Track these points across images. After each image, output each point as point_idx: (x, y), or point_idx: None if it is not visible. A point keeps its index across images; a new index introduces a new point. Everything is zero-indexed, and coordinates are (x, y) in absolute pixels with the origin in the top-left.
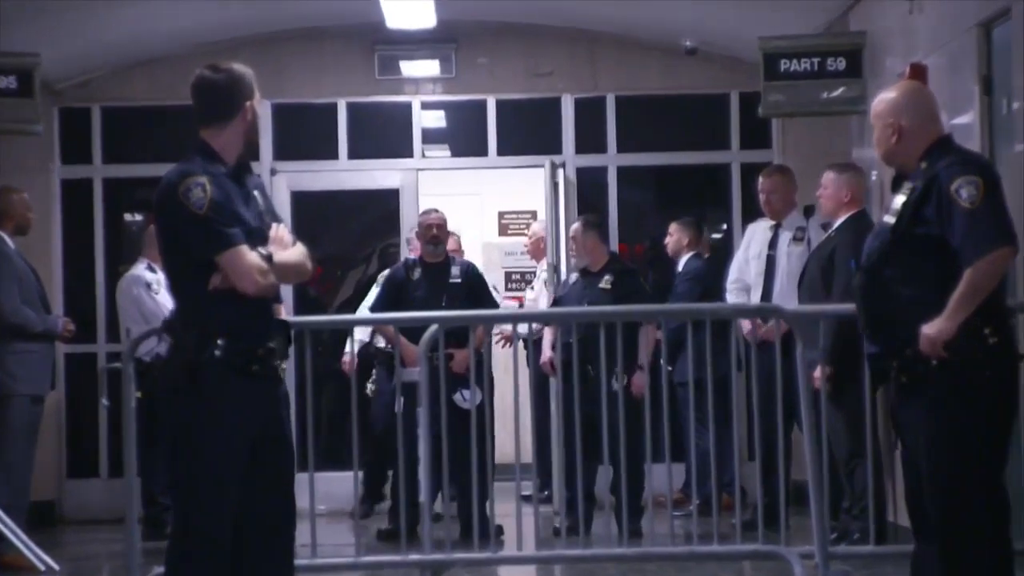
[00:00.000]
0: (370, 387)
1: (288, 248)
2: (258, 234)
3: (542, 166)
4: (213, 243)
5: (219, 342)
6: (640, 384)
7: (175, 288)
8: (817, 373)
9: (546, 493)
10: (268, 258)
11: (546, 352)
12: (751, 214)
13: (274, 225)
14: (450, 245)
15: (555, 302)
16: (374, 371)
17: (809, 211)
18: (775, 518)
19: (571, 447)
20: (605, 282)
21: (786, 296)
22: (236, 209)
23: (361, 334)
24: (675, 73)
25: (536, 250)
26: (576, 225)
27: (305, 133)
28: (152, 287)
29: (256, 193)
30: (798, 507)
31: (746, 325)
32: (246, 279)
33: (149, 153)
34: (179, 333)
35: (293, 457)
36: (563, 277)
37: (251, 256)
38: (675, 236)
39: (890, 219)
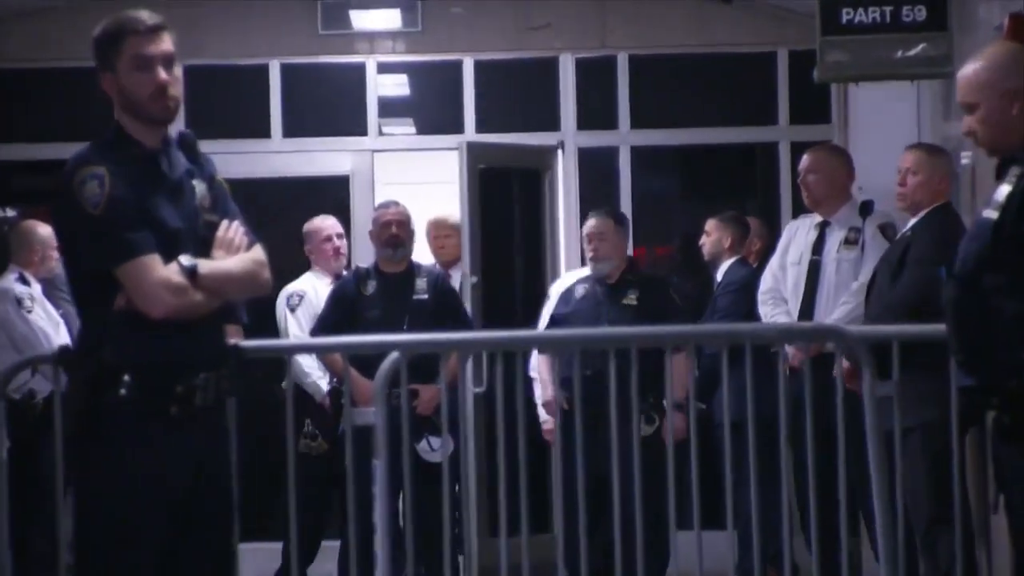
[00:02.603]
0: (305, 443)
1: (237, 252)
2: (185, 237)
3: (536, 147)
4: (110, 252)
5: (124, 378)
6: (680, 429)
7: (77, 307)
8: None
9: None
10: (190, 271)
11: (548, 389)
12: (803, 208)
13: (223, 223)
14: (443, 247)
15: (555, 322)
16: (307, 422)
17: (867, 208)
18: None
19: (574, 514)
20: (630, 297)
21: (830, 313)
22: (150, 207)
23: (311, 366)
24: (706, 27)
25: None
26: (599, 219)
27: (227, 104)
28: (24, 303)
29: (196, 182)
30: None
31: (791, 350)
32: (151, 298)
33: (24, 130)
34: (73, 366)
35: (231, 522)
36: (555, 288)
37: (159, 270)
38: (714, 236)
39: (991, 214)
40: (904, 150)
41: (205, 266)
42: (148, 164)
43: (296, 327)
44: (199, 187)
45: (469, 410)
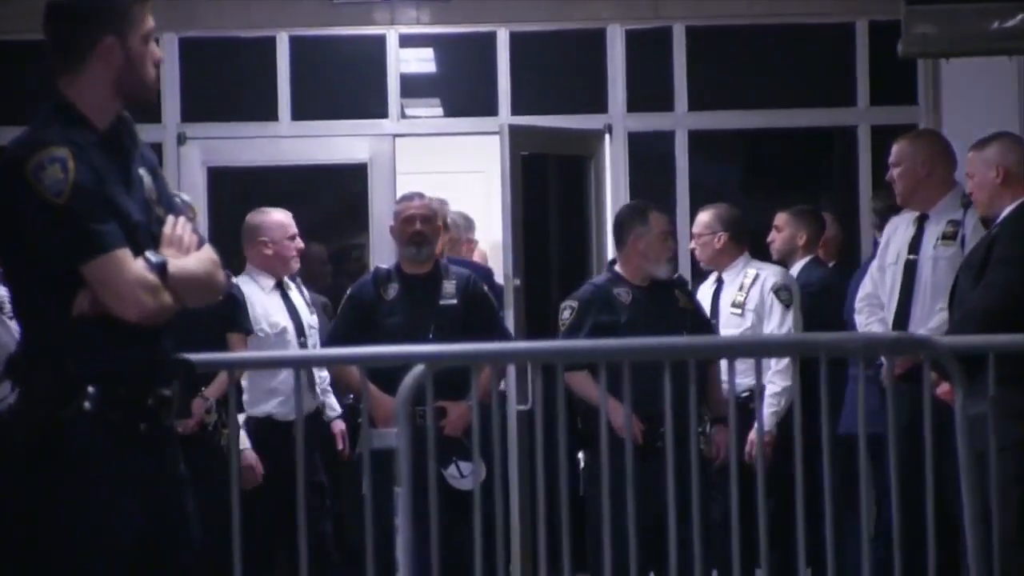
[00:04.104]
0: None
1: (189, 252)
2: (143, 232)
3: (580, 131)
4: (78, 247)
5: (89, 390)
6: (722, 443)
7: (22, 310)
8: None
9: None
10: (160, 268)
11: (617, 409)
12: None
13: (169, 219)
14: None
15: (601, 329)
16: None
17: (969, 197)
18: None
19: (624, 553)
20: (681, 298)
21: (928, 319)
22: (113, 196)
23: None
24: None
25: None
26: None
27: (227, 83)
28: (4, 307)
29: (143, 172)
30: None
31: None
32: (127, 299)
33: None
34: (27, 377)
35: (197, 568)
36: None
37: (134, 266)
38: (786, 232)
39: None
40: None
41: (175, 264)
42: (103, 148)
43: None
44: (146, 177)
45: (512, 431)
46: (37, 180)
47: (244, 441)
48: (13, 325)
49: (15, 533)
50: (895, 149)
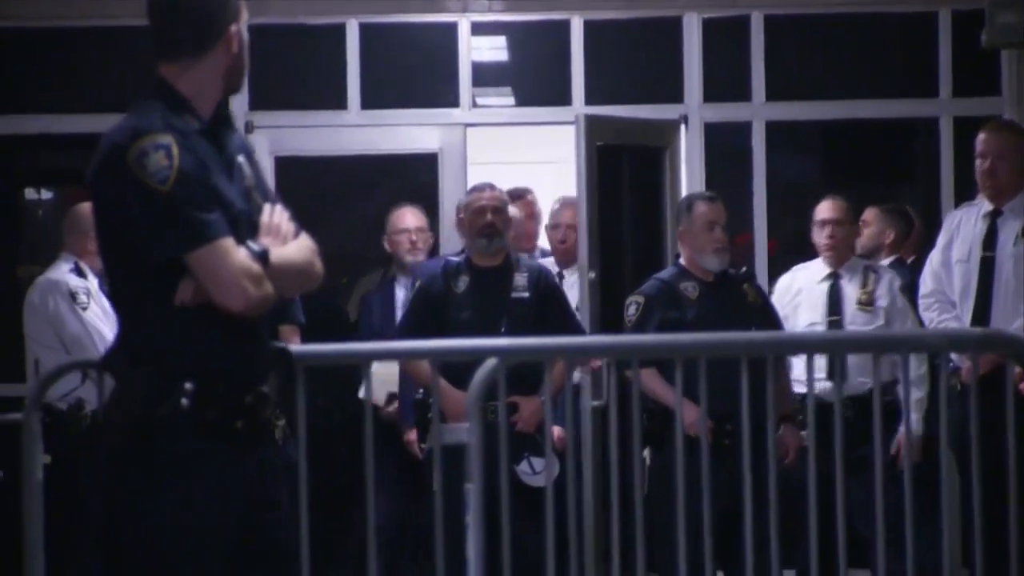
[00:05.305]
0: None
1: (288, 241)
2: (245, 221)
3: (656, 121)
4: (183, 236)
5: (187, 387)
6: (793, 442)
7: (120, 304)
8: None
9: None
10: (263, 257)
11: (690, 408)
12: (967, 194)
13: (266, 207)
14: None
15: (667, 325)
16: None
17: None
18: None
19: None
20: (750, 292)
21: (1011, 318)
22: (216, 184)
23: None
24: None
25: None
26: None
27: (296, 71)
28: (79, 298)
29: (241, 159)
30: None
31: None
32: (232, 289)
33: (60, 99)
34: (125, 373)
35: (292, 562)
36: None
37: (239, 255)
38: (874, 228)
39: None
40: None
41: (276, 254)
42: (205, 135)
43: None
44: (246, 164)
45: (586, 428)
46: (141, 167)
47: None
48: (90, 317)
49: (113, 536)
50: (995, 140)
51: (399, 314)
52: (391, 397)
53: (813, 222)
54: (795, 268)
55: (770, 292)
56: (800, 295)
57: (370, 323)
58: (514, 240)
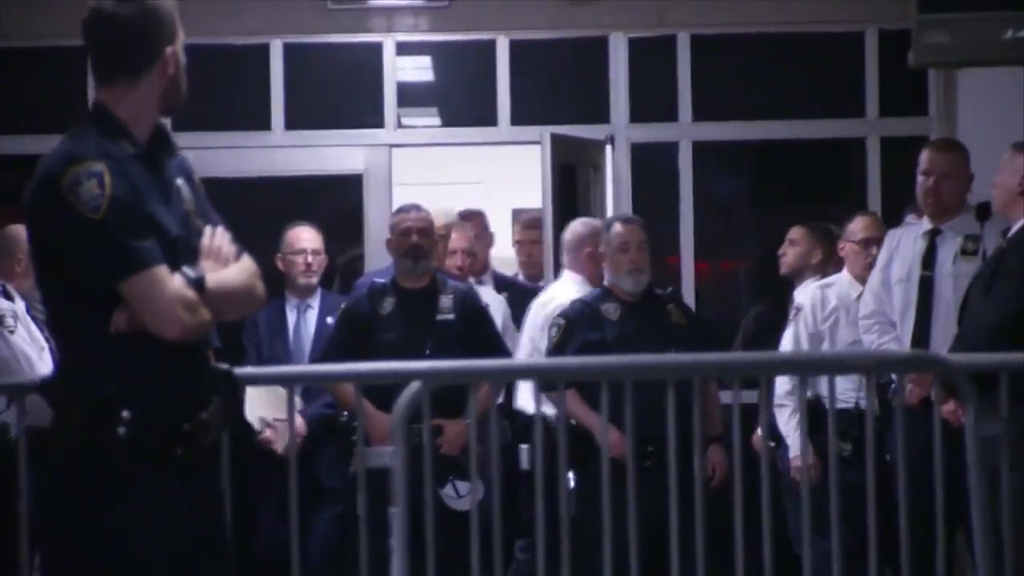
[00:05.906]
0: None
1: (229, 264)
2: (184, 246)
3: (581, 140)
4: (115, 264)
5: (124, 415)
6: (718, 462)
7: (57, 331)
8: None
9: None
10: (198, 283)
11: (613, 431)
12: (895, 215)
13: (207, 230)
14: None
15: (587, 348)
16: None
17: (984, 212)
18: None
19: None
20: (676, 313)
21: (951, 338)
22: (150, 211)
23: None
24: (782, 2)
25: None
26: (636, 227)
27: (219, 91)
28: (6, 321)
29: (180, 182)
30: None
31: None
32: (166, 317)
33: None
34: (63, 401)
35: None
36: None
37: (173, 283)
38: (800, 247)
39: None
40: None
41: (212, 278)
42: (141, 159)
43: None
44: (186, 187)
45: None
46: (74, 195)
47: None
48: (16, 341)
49: (56, 563)
50: (943, 160)
51: (291, 336)
52: (263, 422)
53: (855, 241)
54: (818, 285)
55: (792, 307)
56: (837, 312)
57: (257, 344)
58: (471, 263)
